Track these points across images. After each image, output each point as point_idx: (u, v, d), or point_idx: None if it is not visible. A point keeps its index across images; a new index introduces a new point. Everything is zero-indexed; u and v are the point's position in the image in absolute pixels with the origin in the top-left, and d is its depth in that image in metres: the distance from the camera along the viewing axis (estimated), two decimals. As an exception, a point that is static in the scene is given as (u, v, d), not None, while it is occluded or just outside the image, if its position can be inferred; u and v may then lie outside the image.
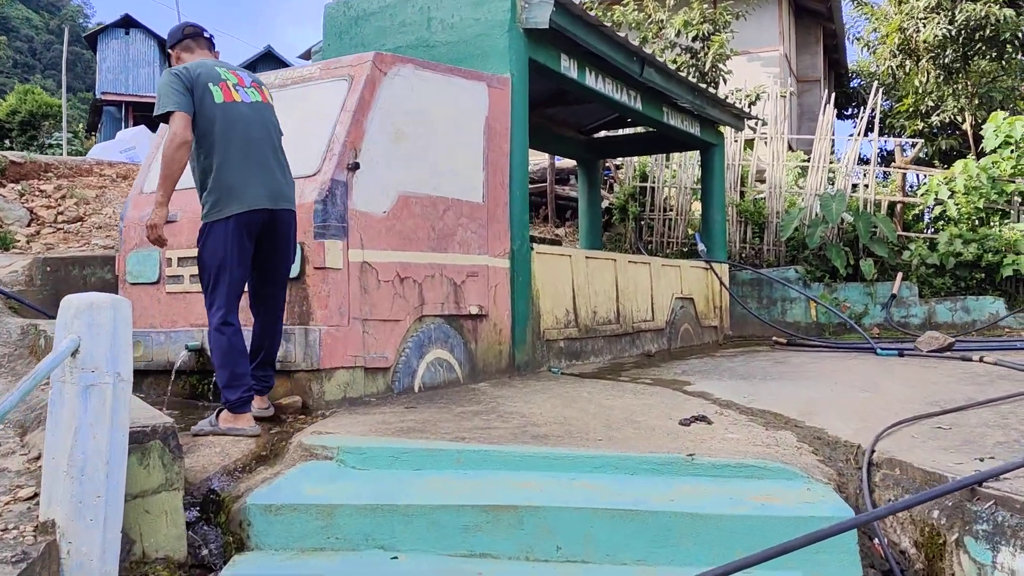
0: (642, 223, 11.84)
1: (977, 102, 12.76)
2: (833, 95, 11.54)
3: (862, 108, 20.99)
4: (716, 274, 9.47)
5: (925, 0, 11.46)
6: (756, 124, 11.30)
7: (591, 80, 7.20)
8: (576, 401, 4.91)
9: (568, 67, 6.87)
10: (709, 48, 13.54)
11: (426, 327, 5.33)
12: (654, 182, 11.82)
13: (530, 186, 13.05)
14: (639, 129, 11.68)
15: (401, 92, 5.22)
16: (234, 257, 3.96)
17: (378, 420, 4.25)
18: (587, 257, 7.22)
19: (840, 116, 22.45)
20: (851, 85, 21.92)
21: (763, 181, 12.18)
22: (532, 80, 6.50)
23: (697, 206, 11.97)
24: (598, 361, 7.28)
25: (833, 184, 11.27)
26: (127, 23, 35.89)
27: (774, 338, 9.36)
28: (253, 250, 4.08)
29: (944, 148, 12.98)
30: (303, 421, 4.40)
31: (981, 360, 6.33)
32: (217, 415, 4.05)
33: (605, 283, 7.47)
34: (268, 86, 5.38)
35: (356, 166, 4.81)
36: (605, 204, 12.50)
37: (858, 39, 18.95)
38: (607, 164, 12.87)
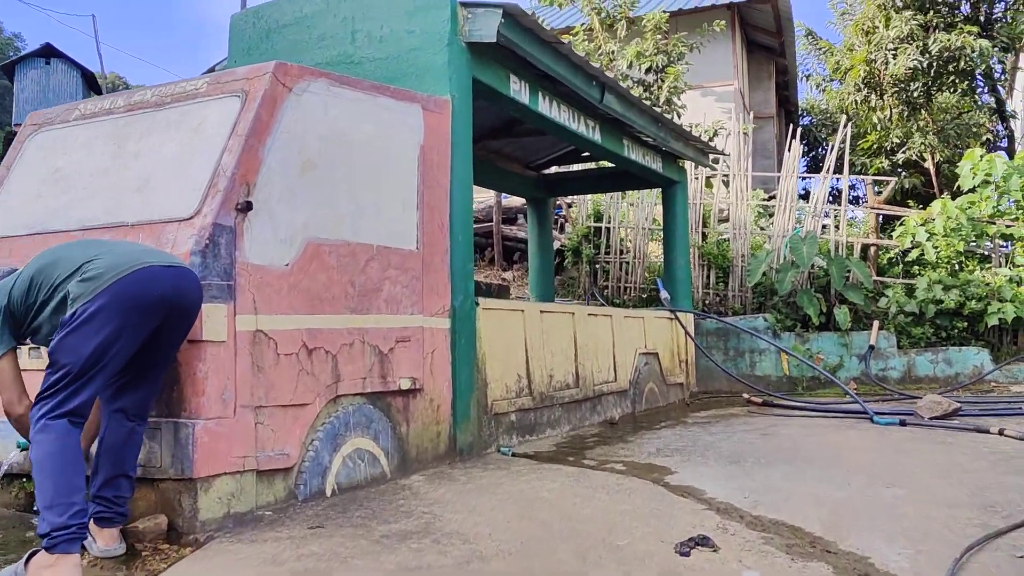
0: (597, 266, 10.88)
1: (939, 139, 12.22)
2: (799, 130, 10.81)
3: (819, 147, 20.65)
4: (682, 325, 8.51)
5: (896, 30, 10.88)
6: (720, 159, 10.47)
7: (545, 106, 6.22)
8: (535, 507, 3.81)
9: (518, 90, 5.87)
10: (663, 81, 12.78)
11: (342, 410, 4.18)
12: (609, 222, 10.90)
13: (475, 226, 12.02)
14: (593, 165, 10.79)
15: (312, 113, 4.13)
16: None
17: (267, 556, 3.08)
18: (542, 312, 6.16)
19: (790, 154, 22.05)
20: (801, 123, 21.56)
21: (725, 220, 11.37)
22: (476, 106, 5.49)
23: (654, 247, 11.08)
24: (555, 434, 6.19)
25: (801, 225, 10.48)
26: (48, 52, 34.10)
27: (746, 396, 8.41)
28: None
29: (907, 187, 12.41)
30: (165, 553, 3.21)
31: (1001, 433, 5.43)
32: (27, 560, 2.84)
33: (562, 340, 6.42)
34: (142, 104, 4.25)
35: (248, 206, 3.69)
36: (557, 245, 11.53)
37: (808, 76, 18.57)
38: (558, 202, 11.93)
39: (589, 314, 6.86)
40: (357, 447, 4.25)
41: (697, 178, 10.61)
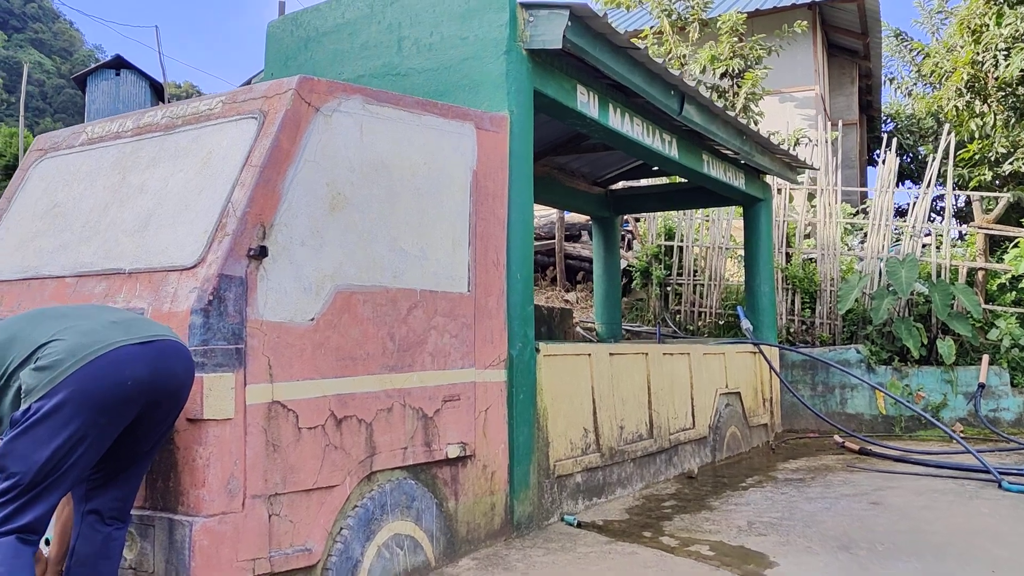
0: (668, 289, 10.06)
1: (1049, 148, 11.04)
2: (893, 140, 9.81)
3: (905, 155, 19.34)
4: (767, 359, 7.65)
5: (1011, 28, 9.78)
6: (806, 175, 9.55)
7: (616, 120, 5.48)
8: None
9: (587, 102, 5.15)
10: (740, 86, 11.88)
11: (378, 490, 3.51)
12: (682, 240, 10.06)
13: (536, 243, 11.32)
14: (665, 179, 9.99)
15: (344, 137, 3.48)
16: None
17: None
18: (611, 354, 5.41)
19: (871, 163, 20.79)
20: (884, 129, 20.26)
21: (807, 237, 10.42)
22: (538, 120, 4.79)
23: (732, 267, 10.21)
24: (626, 494, 5.43)
25: (898, 244, 9.49)
26: (118, 64, 34.73)
27: (839, 439, 7.51)
28: None
29: (1013, 200, 11.26)
30: None
31: None
32: None
33: (634, 385, 5.66)
34: (151, 127, 3.67)
35: (262, 252, 3.05)
36: (624, 264, 10.75)
37: (892, 79, 17.36)
38: (625, 217, 11.15)
39: (664, 353, 6.08)
40: (395, 532, 3.58)
41: (780, 192, 9.71)
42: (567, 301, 10.64)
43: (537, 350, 4.64)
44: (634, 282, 10.28)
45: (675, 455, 6.12)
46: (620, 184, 9.43)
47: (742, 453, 7.17)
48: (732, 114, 10.67)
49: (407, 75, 4.86)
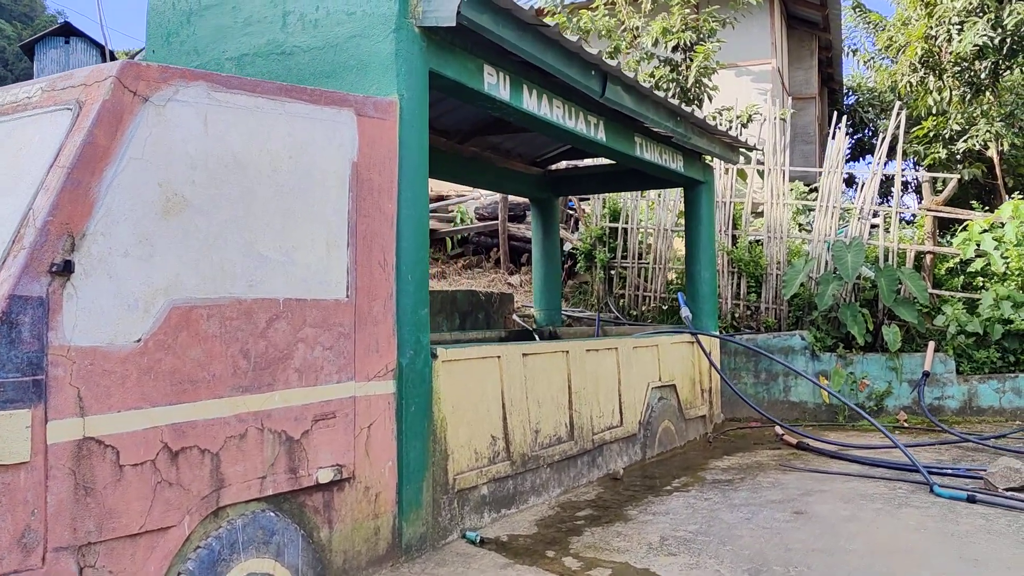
0: (612, 272, 9.72)
1: (1005, 125, 10.77)
2: (844, 116, 9.49)
3: (866, 129, 19.09)
4: (704, 350, 7.35)
5: (963, 2, 9.44)
6: (754, 154, 9.22)
7: (532, 102, 5.08)
8: None
9: (495, 84, 4.74)
10: (692, 60, 11.48)
11: (227, 526, 3.14)
12: (627, 221, 9.71)
13: (480, 223, 10.93)
14: (607, 160, 9.60)
15: (182, 130, 3.06)
16: None
17: None
18: (525, 354, 5.06)
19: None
20: (846, 102, 19.97)
21: (760, 214, 10.12)
22: (455, 102, 4.38)
23: (680, 248, 9.89)
24: (540, 503, 5.12)
25: (846, 226, 9.21)
26: (67, 31, 33.51)
27: (779, 432, 7.26)
28: None
29: (967, 178, 11.02)
30: None
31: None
32: None
33: (552, 386, 5.33)
34: (-31, 117, 3.21)
35: (67, 267, 2.64)
36: (568, 247, 10.40)
37: (855, 51, 17.02)
38: (570, 198, 10.77)
39: (588, 350, 5.74)
40: (249, 572, 3.21)
41: (727, 172, 9.37)
42: (510, 284, 10.28)
43: (434, 356, 4.28)
44: (578, 265, 9.94)
45: (599, 456, 5.81)
46: (561, 164, 9.03)
47: (676, 448, 6.89)
48: (684, 90, 10.28)
49: (292, 54, 4.42)
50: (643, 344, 6.55)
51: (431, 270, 10.49)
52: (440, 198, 11.82)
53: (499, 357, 4.82)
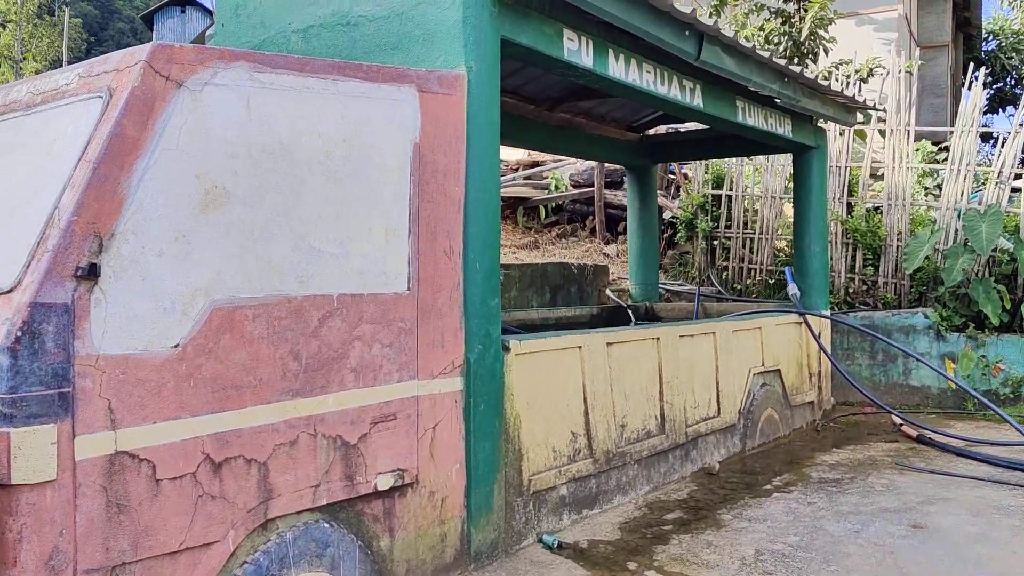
0: (715, 243, 9.15)
1: None
2: (983, 67, 8.53)
3: (1008, 78, 17.40)
4: (813, 333, 6.77)
5: None
6: (874, 113, 8.40)
7: (619, 68, 4.64)
8: None
9: (577, 49, 4.33)
10: (807, 10, 10.59)
11: (276, 540, 2.96)
12: (731, 188, 9.10)
13: (575, 191, 10.52)
14: (711, 122, 8.97)
15: (221, 117, 2.82)
16: None
17: None
18: (610, 343, 4.70)
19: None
20: (984, 49, 18.25)
21: (879, 177, 9.28)
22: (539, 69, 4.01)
23: (791, 211, 9.20)
24: (626, 502, 4.78)
25: (980, 192, 8.32)
26: (183, 1, 34.66)
27: (896, 421, 6.64)
28: None
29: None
30: None
31: None
32: None
33: (641, 375, 4.95)
34: (15, 104, 3.09)
35: (92, 271, 2.46)
36: (668, 215, 9.86)
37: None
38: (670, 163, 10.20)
39: (682, 335, 5.32)
40: (301, 588, 3.03)
41: (843, 133, 8.60)
42: (606, 255, 9.85)
43: (507, 348, 3.97)
44: (678, 235, 9.41)
45: (693, 449, 5.41)
46: (660, 128, 8.49)
47: (780, 438, 6.40)
48: (796, 44, 9.47)
49: (357, 24, 4.14)
50: (744, 327, 6.05)
51: (523, 240, 10.18)
52: (535, 164, 11.45)
53: (580, 347, 4.48)
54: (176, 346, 2.67)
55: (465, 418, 3.74)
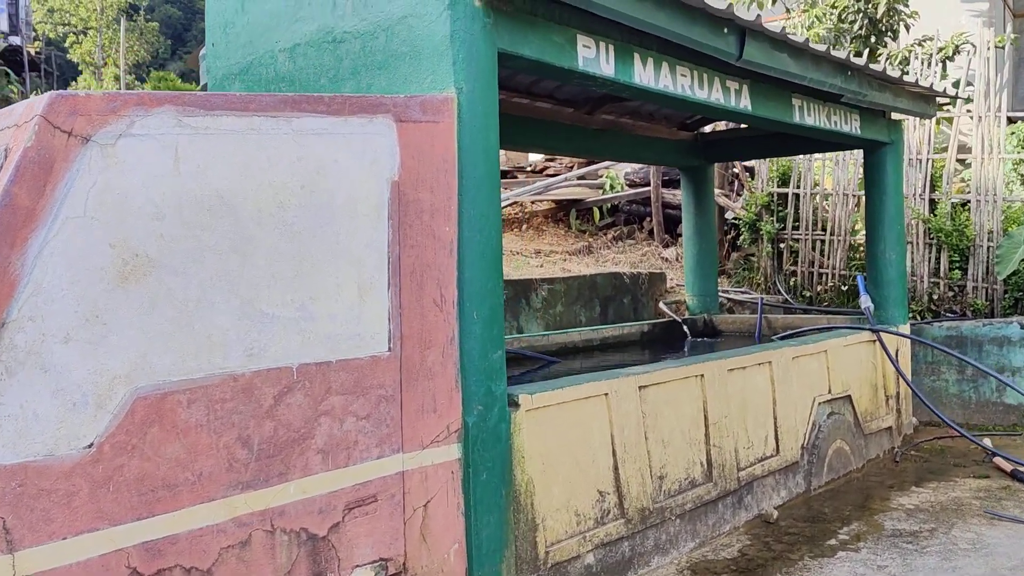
0: (782, 246, 8.43)
1: None
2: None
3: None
4: (889, 354, 6.06)
5: None
6: (958, 100, 7.53)
7: (645, 75, 4.08)
8: None
9: (595, 57, 3.79)
10: (883, -16, 9.67)
11: (224, 658, 2.56)
12: (799, 186, 8.35)
13: (631, 191, 9.93)
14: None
15: (143, 173, 2.42)
16: None
17: None
18: (642, 387, 4.16)
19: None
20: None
21: (966, 165, 8.38)
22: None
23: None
24: (667, 563, 4.25)
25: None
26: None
27: (990, 452, 5.88)
28: None
29: None
30: None
31: None
32: None
33: (683, 419, 4.40)
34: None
35: (-26, 371, 2.08)
36: (730, 215, 9.17)
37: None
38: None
39: (731, 369, 4.73)
40: None
41: (923, 124, 7.76)
42: (664, 259, 9.23)
43: (515, 404, 3.49)
44: (741, 238, 8.71)
45: (747, 495, 4.82)
46: (716, 125, 7.82)
47: (852, 472, 5.72)
48: (871, 21, 8.59)
49: (343, 41, 3.70)
50: (806, 352, 5.40)
51: (575, 245, 9.64)
52: (591, 162, 10.88)
53: (606, 395, 3.95)
54: (90, 446, 2.29)
55: (465, 491, 3.28)
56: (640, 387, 4.14)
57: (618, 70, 3.92)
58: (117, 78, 28.91)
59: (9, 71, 15.86)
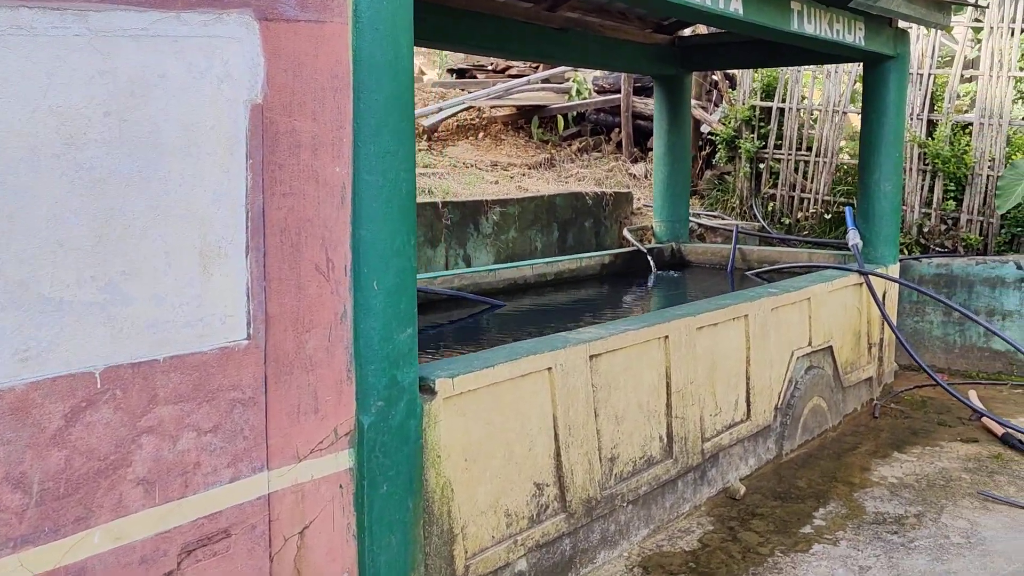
0: (761, 166, 7.65)
1: None
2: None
3: None
4: (876, 299, 5.40)
5: None
6: (974, 10, 6.65)
7: (614, -35, 3.16)
8: None
9: (547, -60, 2.86)
10: None
11: None
12: (784, 100, 7.51)
13: (599, 97, 9.00)
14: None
15: None
16: None
17: None
18: (594, 356, 3.44)
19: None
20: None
21: (970, 80, 7.57)
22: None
23: (857, 122, 7.61)
24: (614, 558, 3.63)
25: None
26: None
27: (977, 413, 5.32)
28: None
29: None
30: None
31: None
32: None
33: (641, 390, 3.71)
34: None
35: None
36: (706, 129, 8.32)
37: None
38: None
39: (700, 327, 4.02)
40: None
41: (927, 35, 6.90)
42: (632, 175, 8.41)
43: (431, 391, 2.75)
44: (717, 156, 7.90)
45: (712, 468, 4.21)
46: (695, 28, 6.88)
47: (827, 431, 5.15)
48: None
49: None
50: (787, 302, 4.71)
51: (537, 156, 8.75)
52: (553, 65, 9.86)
53: (549, 369, 3.23)
54: None
55: (358, 507, 2.57)
56: (591, 356, 3.42)
57: (577, -43, 3.01)
58: None
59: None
